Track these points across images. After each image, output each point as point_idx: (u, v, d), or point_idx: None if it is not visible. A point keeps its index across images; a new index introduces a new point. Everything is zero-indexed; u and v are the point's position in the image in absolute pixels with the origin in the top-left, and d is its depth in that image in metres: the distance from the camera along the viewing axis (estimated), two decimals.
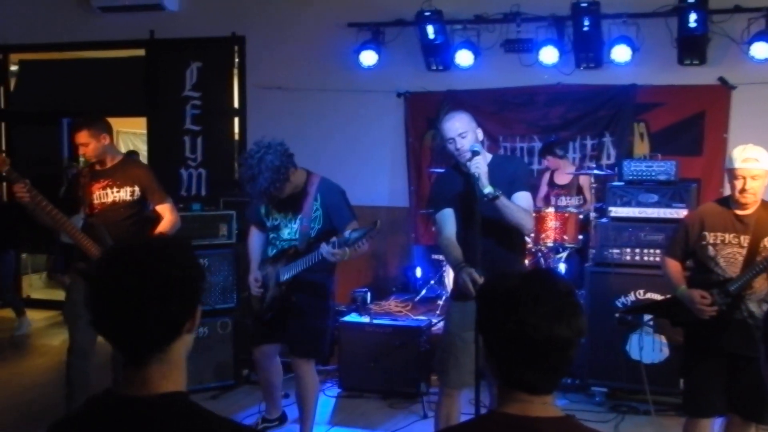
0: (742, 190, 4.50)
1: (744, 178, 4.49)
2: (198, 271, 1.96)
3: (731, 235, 4.60)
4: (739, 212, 4.61)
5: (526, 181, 5.01)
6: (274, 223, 5.39)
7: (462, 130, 4.79)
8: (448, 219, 4.96)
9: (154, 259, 1.89)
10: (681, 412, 6.00)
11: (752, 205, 4.58)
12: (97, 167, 5.91)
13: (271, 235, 5.44)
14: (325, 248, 4.92)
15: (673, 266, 4.82)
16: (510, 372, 2.03)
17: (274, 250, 5.40)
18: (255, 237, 5.65)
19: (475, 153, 4.70)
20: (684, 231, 4.79)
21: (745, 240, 4.56)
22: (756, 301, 4.56)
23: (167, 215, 5.97)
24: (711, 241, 4.64)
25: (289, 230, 5.31)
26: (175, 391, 1.90)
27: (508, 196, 4.73)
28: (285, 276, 5.23)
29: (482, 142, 5.00)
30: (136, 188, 5.88)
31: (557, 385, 2.07)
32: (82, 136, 5.79)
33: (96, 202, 5.86)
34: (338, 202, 5.28)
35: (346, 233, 4.88)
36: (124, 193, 5.87)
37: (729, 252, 4.59)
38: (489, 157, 4.99)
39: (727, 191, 4.74)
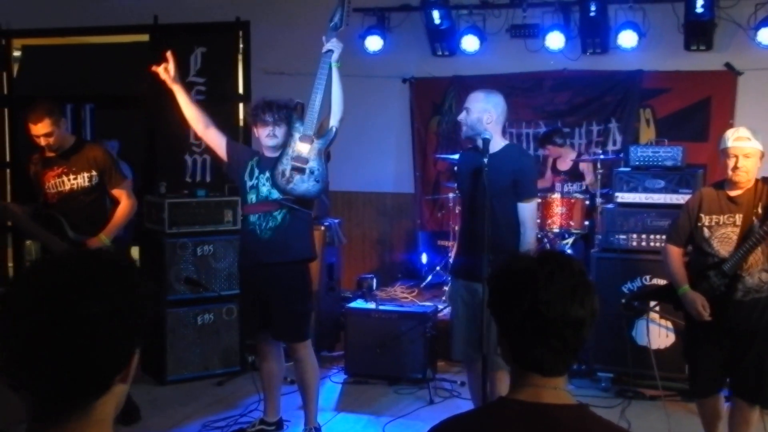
0: (735, 168, 4.60)
1: (736, 156, 4.59)
2: (135, 305, 1.49)
3: (725, 216, 4.69)
4: (731, 193, 4.70)
5: (531, 186, 5.11)
6: (252, 182, 5.33)
7: (467, 104, 5.00)
8: None
9: (75, 289, 1.43)
10: (687, 398, 6.06)
11: (745, 184, 4.67)
12: (49, 153, 5.65)
13: (248, 195, 5.36)
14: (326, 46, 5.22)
15: (676, 259, 4.90)
16: (523, 353, 2.03)
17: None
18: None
19: (485, 138, 4.80)
20: (686, 216, 4.87)
21: (739, 219, 4.65)
22: (756, 272, 4.63)
23: (123, 200, 5.73)
24: (706, 224, 4.74)
25: (266, 187, 5.27)
26: None
27: (510, 192, 4.88)
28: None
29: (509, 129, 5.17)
30: (94, 172, 5.65)
31: (570, 367, 2.07)
32: (45, 126, 5.49)
33: (52, 191, 5.62)
34: None
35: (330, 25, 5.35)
36: (82, 180, 5.64)
37: (723, 232, 4.69)
38: (503, 143, 5.07)
39: None
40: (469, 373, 5.32)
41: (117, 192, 5.75)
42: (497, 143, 4.98)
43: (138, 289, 1.51)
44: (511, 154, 5.06)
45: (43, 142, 5.58)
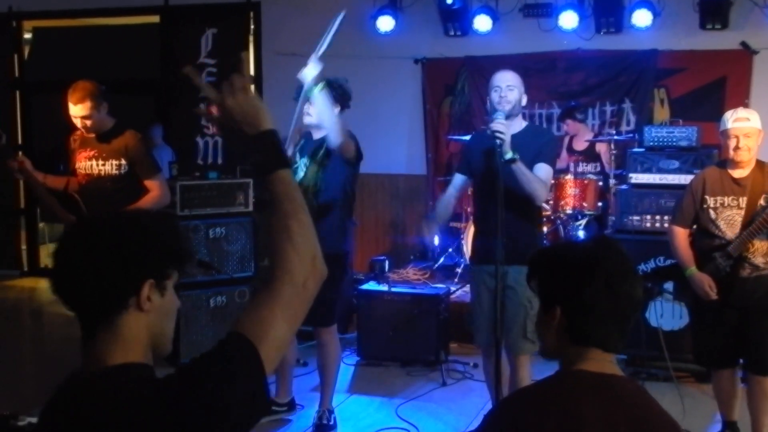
0: (736, 148, 4.70)
1: (737, 137, 4.70)
2: (145, 248, 1.80)
3: (730, 198, 4.79)
4: (735, 175, 4.80)
5: (552, 155, 5.06)
6: (294, 166, 5.23)
7: (511, 83, 4.92)
8: (456, 182, 5.24)
9: (101, 226, 1.83)
10: (700, 379, 6.04)
11: (747, 164, 4.77)
12: (87, 134, 5.59)
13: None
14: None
15: (682, 240, 5.00)
16: (591, 330, 2.15)
17: None
18: None
19: (495, 118, 4.72)
20: (691, 198, 4.94)
21: (743, 201, 4.75)
22: (761, 256, 4.74)
23: (154, 191, 5.58)
24: (712, 205, 4.84)
25: (303, 171, 5.19)
26: (125, 362, 1.77)
27: (531, 166, 4.78)
28: None
29: (523, 109, 5.12)
30: (123, 161, 5.52)
31: (625, 344, 2.21)
32: (85, 108, 5.41)
33: (82, 172, 5.56)
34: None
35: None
36: (110, 167, 5.53)
37: (728, 214, 4.79)
38: (524, 124, 5.08)
39: None
40: (488, 360, 5.18)
41: (149, 183, 5.58)
42: (520, 124, 5.00)
43: (149, 227, 1.83)
44: (534, 132, 5.12)
45: (80, 123, 5.51)
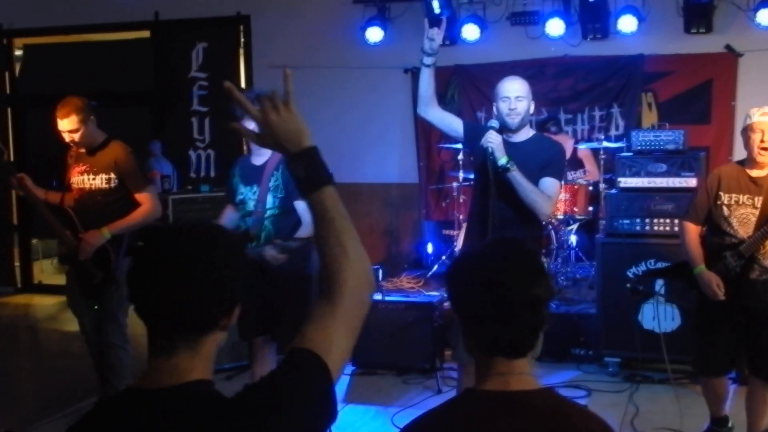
0: (762, 142, 4.57)
1: (762, 131, 4.58)
2: (241, 271, 1.86)
3: (745, 196, 4.69)
4: (753, 174, 4.70)
5: (559, 169, 4.93)
6: (240, 197, 5.18)
7: (521, 94, 4.79)
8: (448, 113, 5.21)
9: (205, 245, 1.81)
10: (695, 380, 6.07)
11: (766, 165, 4.66)
12: (82, 149, 5.58)
13: (240, 212, 5.21)
14: (269, 252, 4.79)
15: (693, 237, 4.88)
16: (486, 336, 2.04)
17: (243, 227, 5.15)
18: (226, 219, 5.31)
19: (491, 127, 4.71)
20: (705, 194, 4.87)
21: (758, 201, 4.65)
22: None
23: (145, 204, 5.50)
24: (726, 202, 4.74)
25: (253, 201, 5.11)
26: (200, 379, 1.80)
27: (537, 179, 4.70)
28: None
29: (532, 118, 5.05)
30: (113, 175, 5.48)
31: (532, 347, 2.06)
32: (72, 122, 5.39)
33: (75, 187, 5.56)
34: None
35: (286, 243, 4.83)
36: (100, 181, 5.50)
37: (742, 213, 4.69)
38: (531, 133, 5.00)
39: (735, 158, 4.79)
40: (464, 377, 4.98)
41: (139, 197, 5.51)
42: (527, 132, 4.94)
43: (241, 257, 1.89)
44: (540, 143, 5.00)
45: (67, 138, 5.48)
